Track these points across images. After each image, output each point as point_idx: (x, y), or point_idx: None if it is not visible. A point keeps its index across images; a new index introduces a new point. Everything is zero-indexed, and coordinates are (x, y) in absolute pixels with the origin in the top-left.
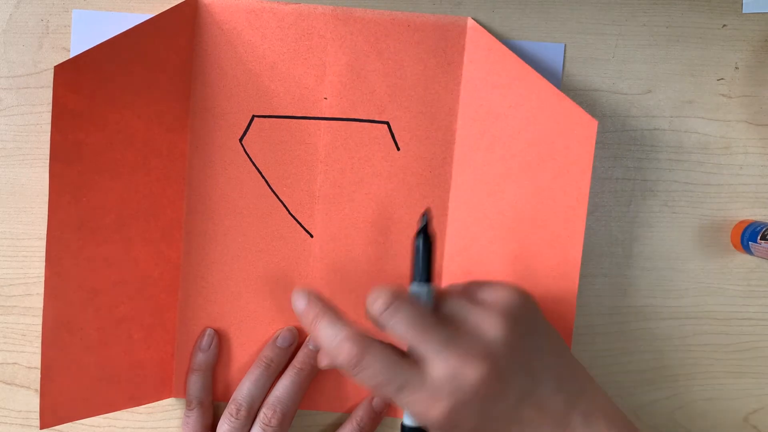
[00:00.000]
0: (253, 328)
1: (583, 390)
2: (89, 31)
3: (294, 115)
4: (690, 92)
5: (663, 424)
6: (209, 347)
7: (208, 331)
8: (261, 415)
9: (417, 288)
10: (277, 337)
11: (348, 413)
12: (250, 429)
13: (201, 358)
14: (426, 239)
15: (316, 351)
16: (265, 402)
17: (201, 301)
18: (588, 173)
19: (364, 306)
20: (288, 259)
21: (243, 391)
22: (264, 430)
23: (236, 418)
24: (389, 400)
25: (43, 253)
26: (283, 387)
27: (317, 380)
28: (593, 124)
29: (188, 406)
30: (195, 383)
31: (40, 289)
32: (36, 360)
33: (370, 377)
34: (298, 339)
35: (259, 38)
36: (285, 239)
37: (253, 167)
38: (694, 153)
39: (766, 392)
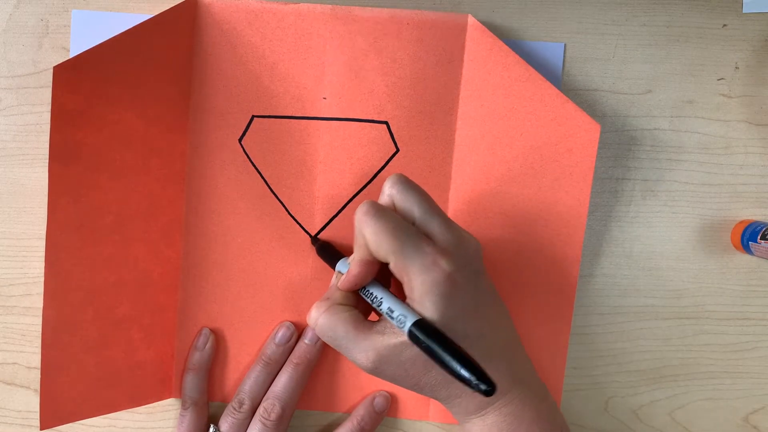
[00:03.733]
0: (252, 329)
1: (526, 373)
2: (89, 31)
3: (293, 115)
4: (690, 92)
5: (663, 424)
6: (205, 346)
7: (204, 331)
8: (260, 409)
9: (339, 265)
10: (275, 335)
11: (347, 413)
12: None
13: (196, 357)
14: (318, 242)
15: (313, 345)
16: (265, 397)
17: (200, 301)
18: (590, 176)
19: None
20: (287, 259)
21: (245, 387)
22: (263, 423)
23: (239, 412)
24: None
25: (43, 253)
26: (281, 383)
27: (316, 380)
28: (596, 128)
29: (183, 405)
30: (190, 383)
31: (40, 289)
32: (36, 360)
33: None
34: (296, 335)
35: (258, 38)
36: (284, 240)
37: (253, 167)
38: (694, 153)
39: (766, 392)
